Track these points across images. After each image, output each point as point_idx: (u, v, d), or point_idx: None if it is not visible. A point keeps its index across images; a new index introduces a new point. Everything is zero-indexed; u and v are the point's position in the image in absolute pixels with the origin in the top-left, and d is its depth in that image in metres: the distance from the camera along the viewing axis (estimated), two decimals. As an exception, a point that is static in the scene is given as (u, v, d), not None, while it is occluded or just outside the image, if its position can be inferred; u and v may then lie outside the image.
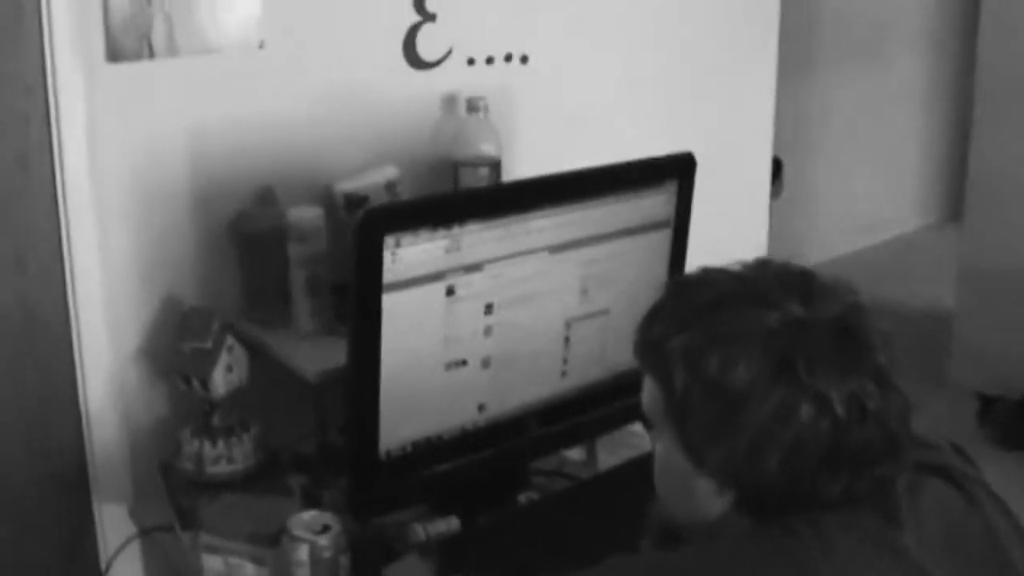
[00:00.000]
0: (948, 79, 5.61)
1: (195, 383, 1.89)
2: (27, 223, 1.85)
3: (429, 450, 1.79)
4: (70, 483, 1.99)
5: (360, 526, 1.75)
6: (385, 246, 1.62)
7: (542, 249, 1.81)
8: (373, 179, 2.08)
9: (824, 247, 5.13)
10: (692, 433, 1.26)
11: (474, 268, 1.73)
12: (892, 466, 1.24)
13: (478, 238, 1.72)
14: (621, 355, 1.96)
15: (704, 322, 1.26)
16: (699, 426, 1.25)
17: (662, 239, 1.98)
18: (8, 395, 1.90)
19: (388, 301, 1.65)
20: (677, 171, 1.96)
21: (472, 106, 2.18)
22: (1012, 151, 3.85)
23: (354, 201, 2.05)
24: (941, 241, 5.42)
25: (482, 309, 1.77)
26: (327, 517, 1.59)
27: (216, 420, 1.91)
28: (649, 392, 1.31)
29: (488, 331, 1.79)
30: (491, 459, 1.87)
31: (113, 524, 2.02)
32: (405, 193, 2.11)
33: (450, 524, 1.82)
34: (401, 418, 1.73)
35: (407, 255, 1.65)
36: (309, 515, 1.60)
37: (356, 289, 1.63)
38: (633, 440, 2.13)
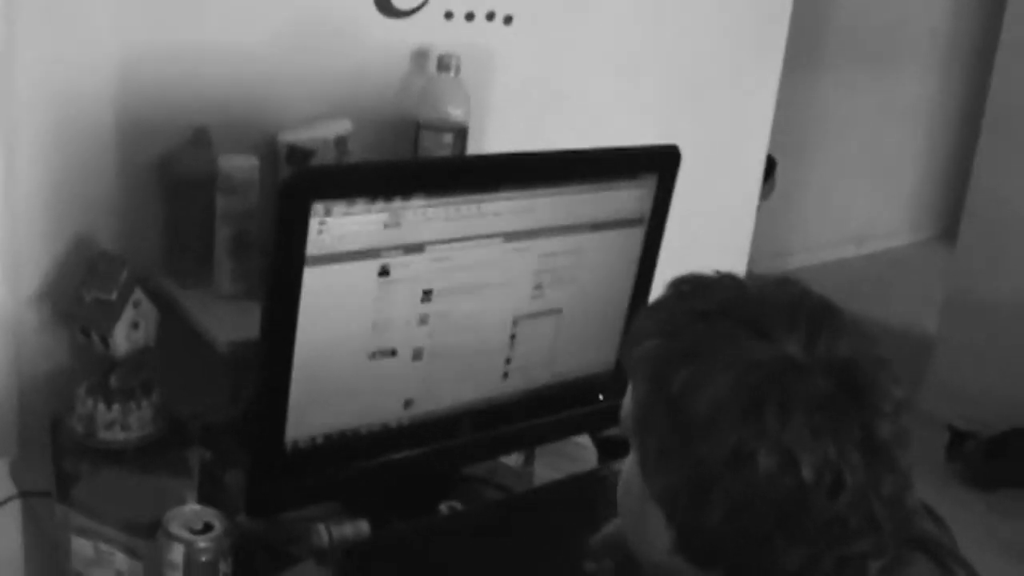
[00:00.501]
0: (955, 97, 5.44)
1: (95, 337, 1.69)
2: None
3: (343, 445, 1.60)
4: (-52, 430, 1.78)
5: (253, 524, 1.56)
6: (312, 213, 1.42)
7: (496, 235, 1.62)
8: (322, 132, 1.87)
9: (809, 252, 4.95)
10: (646, 451, 1.11)
11: (414, 248, 1.53)
12: (868, 548, 1.06)
13: (422, 215, 1.52)
14: (572, 361, 1.78)
15: (686, 332, 1.10)
16: (652, 445, 1.10)
17: (632, 238, 1.78)
18: None
19: (310, 276, 1.45)
20: (659, 164, 1.77)
21: (443, 64, 1.97)
22: (1016, 181, 3.70)
23: (298, 155, 1.85)
24: (929, 259, 5.26)
25: (419, 295, 1.57)
26: (210, 514, 1.40)
27: (114, 381, 1.70)
28: (627, 395, 1.16)
29: (423, 320, 1.59)
30: (413, 461, 1.68)
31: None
32: (357, 152, 1.90)
33: (359, 528, 1.63)
34: (313, 407, 1.53)
35: (337, 226, 1.45)
36: (190, 510, 1.40)
37: (274, 258, 1.43)
38: (577, 453, 1.95)
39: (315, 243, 1.44)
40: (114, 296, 1.67)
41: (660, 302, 1.16)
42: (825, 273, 4.83)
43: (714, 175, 2.50)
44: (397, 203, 1.49)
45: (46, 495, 1.68)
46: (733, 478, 1.04)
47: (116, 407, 1.69)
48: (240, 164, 1.73)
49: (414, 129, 1.99)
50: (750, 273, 1.16)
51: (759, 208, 2.86)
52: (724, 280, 1.16)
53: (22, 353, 1.79)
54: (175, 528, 1.37)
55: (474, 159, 1.87)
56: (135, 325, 1.69)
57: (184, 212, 1.79)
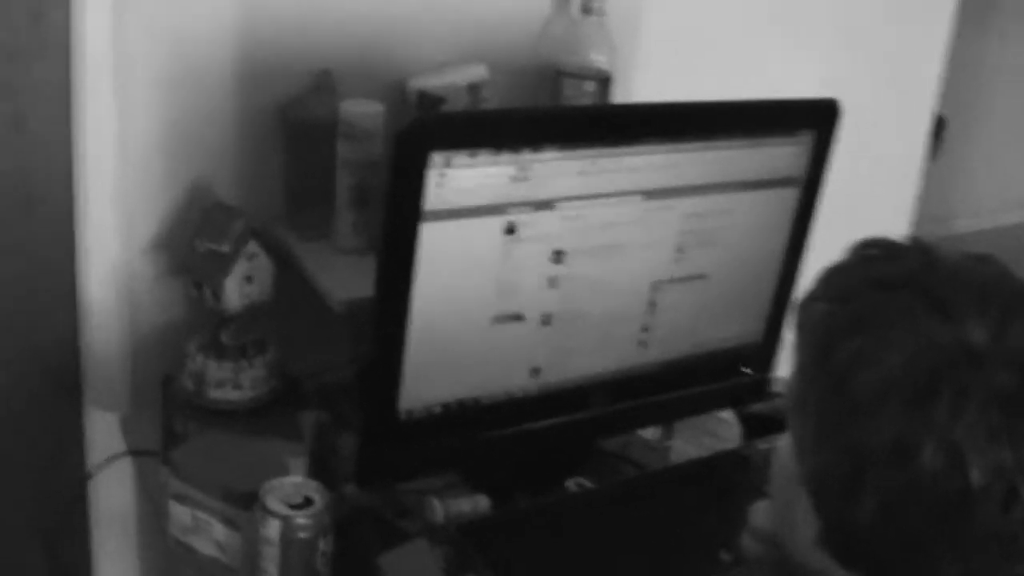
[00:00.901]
0: None
1: (207, 290, 1.59)
2: (32, 82, 1.55)
3: (462, 414, 1.48)
4: (61, 382, 1.72)
5: (363, 495, 1.45)
6: (431, 165, 1.29)
7: (634, 192, 1.47)
8: (454, 78, 1.74)
9: (975, 217, 4.68)
10: (802, 428, 1.00)
11: (544, 205, 1.40)
12: None
13: (553, 169, 1.38)
14: (716, 330, 1.64)
15: (860, 300, 0.97)
16: (809, 423, 0.98)
17: (786, 199, 1.63)
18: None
19: (428, 232, 1.33)
20: (816, 119, 1.60)
21: (587, 6, 1.82)
22: None
23: (428, 102, 1.72)
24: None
25: (548, 255, 1.44)
26: (311, 487, 1.29)
27: (225, 337, 1.61)
28: (791, 365, 1.04)
29: (553, 282, 1.46)
30: (539, 434, 1.55)
31: (103, 436, 1.74)
32: (492, 100, 1.77)
33: (477, 504, 1.52)
34: (430, 373, 1.42)
35: (459, 179, 1.32)
36: (290, 482, 1.30)
37: (388, 213, 1.31)
38: (720, 429, 1.80)
39: (434, 197, 1.31)
40: (227, 248, 1.57)
41: (840, 265, 1.03)
42: (992, 239, 4.56)
43: (877, 133, 2.31)
44: (525, 155, 1.36)
45: (155, 455, 1.60)
46: (891, 470, 0.92)
47: (227, 364, 1.60)
48: (364, 110, 1.61)
49: (553, 77, 1.84)
50: (946, 245, 1.00)
51: (926, 170, 2.66)
52: (915, 249, 1.02)
53: (136, 305, 1.71)
54: (272, 502, 1.27)
55: (611, 108, 1.72)
56: (248, 279, 1.60)
57: (305, 160, 1.69)
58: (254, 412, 1.62)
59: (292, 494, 1.28)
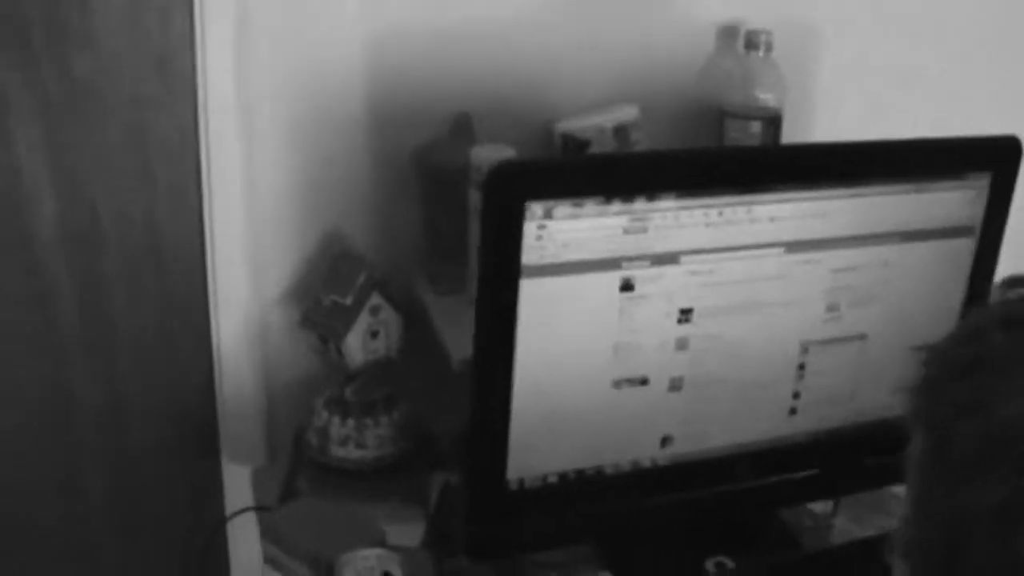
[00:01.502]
0: None
1: (331, 345, 1.53)
2: (160, 134, 1.52)
3: (583, 485, 1.36)
4: (198, 434, 1.69)
5: (475, 567, 1.35)
6: (528, 216, 1.19)
7: (774, 245, 1.33)
8: (601, 120, 1.63)
9: None
10: (907, 492, 0.85)
11: (665, 259, 1.27)
12: None
13: (673, 219, 1.26)
14: (879, 396, 1.47)
15: (984, 340, 0.82)
16: (911, 483, 0.84)
17: (960, 250, 1.45)
18: (130, 326, 1.60)
19: (530, 289, 1.22)
20: (992, 160, 1.41)
21: (751, 41, 1.68)
22: None
23: (573, 145, 1.62)
24: None
25: (675, 314, 1.31)
26: (393, 560, 1.20)
27: (349, 393, 1.54)
28: None
29: (682, 344, 1.33)
30: (672, 508, 1.42)
31: (241, 488, 1.69)
32: (643, 143, 1.65)
33: (599, 583, 1.39)
34: (543, 441, 1.31)
35: (563, 231, 1.21)
36: (374, 554, 1.21)
37: (483, 268, 1.21)
38: (894, 507, 1.61)
39: (533, 251, 1.20)
40: (350, 300, 1.50)
41: (981, 305, 0.89)
42: None
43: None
44: (639, 204, 1.23)
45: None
46: (995, 540, 0.75)
47: (351, 422, 1.53)
48: (494, 155, 1.52)
49: (717, 117, 1.71)
50: None
51: None
52: None
53: (270, 358, 1.66)
54: (347, 575, 1.18)
55: (737, 150, 1.57)
56: (373, 334, 1.52)
57: (440, 209, 1.60)
58: (379, 472, 1.54)
59: (371, 568, 1.19)
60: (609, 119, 1.63)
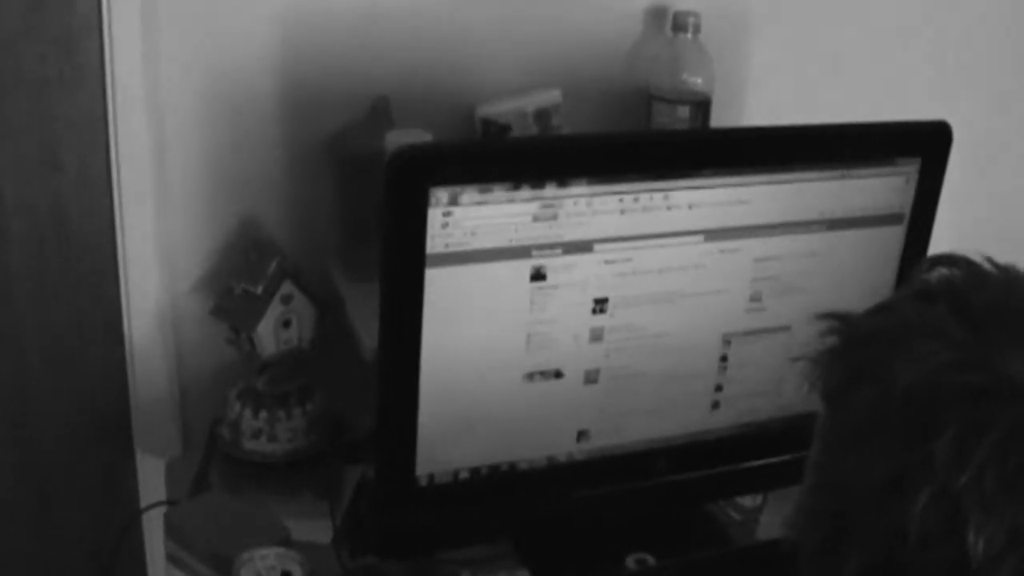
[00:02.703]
0: None
1: (243, 336, 1.48)
2: (66, 119, 1.46)
3: (496, 481, 1.32)
4: (109, 426, 1.63)
5: (388, 566, 1.31)
6: (433, 202, 1.14)
7: (693, 232, 1.28)
8: (522, 103, 1.58)
9: None
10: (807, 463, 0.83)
11: (579, 247, 1.23)
12: None
13: (587, 206, 1.21)
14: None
15: (889, 310, 0.82)
16: (811, 453, 0.83)
17: (888, 238, 1.41)
18: (38, 317, 1.54)
19: (436, 278, 1.17)
20: (921, 145, 1.38)
21: (679, 23, 1.64)
22: None
23: (493, 130, 1.57)
24: None
25: (589, 305, 1.26)
26: (292, 560, 1.15)
27: (261, 385, 1.49)
28: None
29: (597, 335, 1.29)
30: (590, 505, 1.38)
31: (151, 481, 1.64)
32: (566, 128, 1.60)
33: (514, 581, 1.35)
34: (453, 436, 1.26)
35: (470, 218, 1.17)
36: (271, 552, 1.16)
37: (386, 257, 1.16)
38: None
39: (439, 238, 1.16)
40: (260, 289, 1.45)
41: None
42: None
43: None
44: (549, 190, 1.19)
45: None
46: (880, 511, 0.72)
47: (263, 414, 1.49)
48: (410, 141, 1.47)
49: (644, 101, 1.67)
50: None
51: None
52: (992, 271, 0.82)
53: (183, 348, 1.61)
54: (246, 575, 1.13)
55: (652, 135, 1.53)
56: (285, 323, 1.48)
57: (356, 195, 1.55)
58: (291, 466, 1.49)
59: (271, 567, 1.14)
60: (530, 103, 1.59)
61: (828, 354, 0.82)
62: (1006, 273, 0.82)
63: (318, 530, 1.39)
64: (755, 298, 1.36)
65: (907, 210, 1.40)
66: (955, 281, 0.82)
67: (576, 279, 1.24)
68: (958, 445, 0.70)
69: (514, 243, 1.20)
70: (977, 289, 0.80)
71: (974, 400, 0.71)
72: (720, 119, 1.67)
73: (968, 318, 0.76)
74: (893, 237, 1.40)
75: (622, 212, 1.24)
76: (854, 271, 1.40)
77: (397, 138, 1.45)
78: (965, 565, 0.69)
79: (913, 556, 0.71)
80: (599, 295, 1.26)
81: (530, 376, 1.27)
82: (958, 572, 0.69)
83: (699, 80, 1.65)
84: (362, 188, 1.54)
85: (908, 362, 0.75)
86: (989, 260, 0.83)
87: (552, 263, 1.22)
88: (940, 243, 1.43)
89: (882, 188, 1.37)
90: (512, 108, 1.57)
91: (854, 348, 0.81)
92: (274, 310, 1.45)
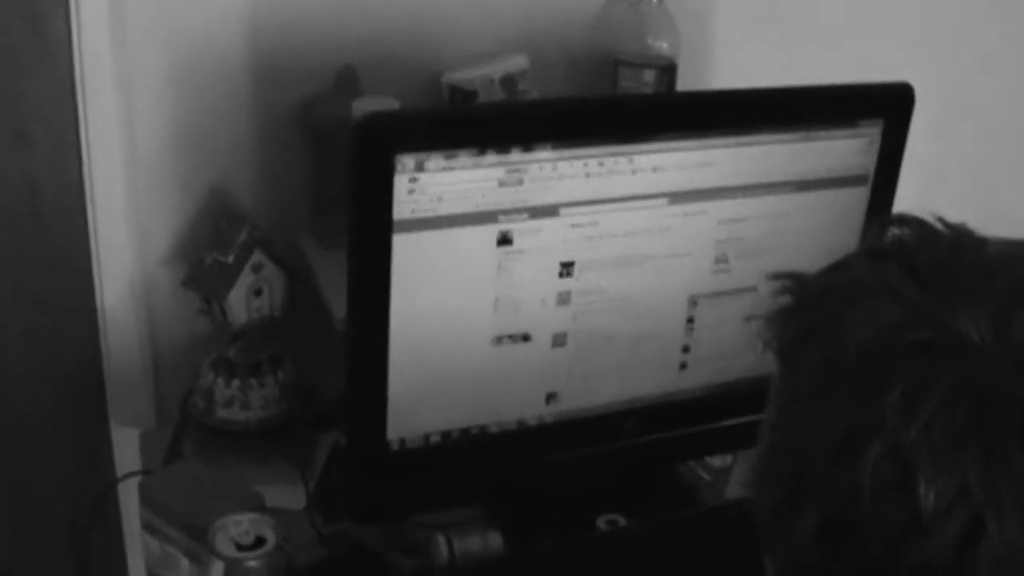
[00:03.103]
0: None
1: (215, 305, 1.48)
2: (34, 92, 1.46)
3: (467, 445, 1.33)
4: (83, 398, 1.64)
5: (362, 530, 1.32)
6: (399, 169, 1.15)
7: (658, 195, 1.30)
8: (489, 70, 1.59)
9: None
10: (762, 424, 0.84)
11: (545, 212, 1.24)
12: None
13: (552, 171, 1.22)
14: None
15: (839, 269, 0.81)
16: (767, 413, 0.83)
17: (852, 200, 1.43)
18: (10, 290, 1.55)
19: (403, 244, 1.18)
20: (885, 107, 1.39)
21: (644, -13, 1.65)
22: None
23: (460, 96, 1.58)
24: None
25: (556, 268, 1.28)
26: (267, 524, 1.16)
27: (233, 354, 1.50)
28: None
29: (565, 299, 1.30)
30: (560, 467, 1.39)
31: (126, 452, 1.66)
32: (533, 93, 1.61)
33: (489, 542, 1.37)
34: (423, 400, 1.28)
35: (436, 184, 1.18)
36: (246, 519, 1.17)
37: (353, 224, 1.17)
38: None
39: (406, 205, 1.17)
40: (231, 258, 1.46)
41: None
42: None
43: (994, 131, 2.05)
44: (515, 155, 1.20)
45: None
46: (836, 469, 0.72)
47: (236, 383, 1.50)
48: (376, 108, 1.47)
49: (610, 66, 1.68)
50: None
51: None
52: (943, 230, 0.82)
53: (157, 319, 1.62)
54: (220, 542, 1.14)
55: (617, 99, 1.54)
56: (257, 292, 1.49)
57: (325, 163, 1.57)
58: (264, 434, 1.50)
59: (245, 532, 1.16)
60: (497, 69, 1.60)
61: (781, 313, 0.83)
62: (956, 232, 0.83)
63: (292, 497, 1.40)
64: (720, 260, 1.37)
65: (871, 172, 1.41)
66: (906, 240, 0.83)
67: (542, 243, 1.26)
68: (907, 401, 0.70)
69: (480, 208, 1.21)
70: (927, 248, 0.81)
71: (923, 356, 0.72)
72: (686, 83, 1.68)
73: (918, 276, 0.77)
74: (857, 198, 1.42)
75: (587, 176, 1.25)
76: (818, 232, 1.41)
77: (363, 105, 1.46)
78: (916, 520, 0.70)
79: (867, 512, 0.72)
80: (565, 259, 1.28)
81: (498, 340, 1.29)
82: (910, 527, 0.70)
83: (664, 45, 1.67)
84: (330, 156, 1.56)
85: (859, 320, 0.76)
86: (941, 220, 0.84)
87: (518, 228, 1.23)
88: (905, 205, 1.45)
89: (845, 150, 1.39)
90: (479, 75, 1.58)
91: (806, 307, 0.82)
92: (245, 279, 1.46)
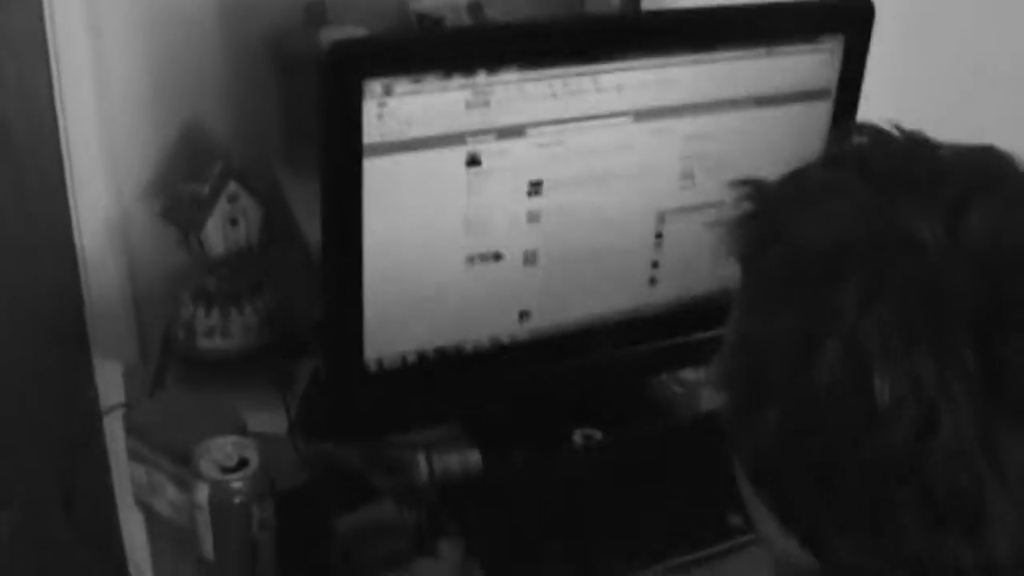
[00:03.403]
0: None
1: (192, 237, 1.51)
2: (3, 34, 1.47)
3: (443, 363, 1.36)
4: (65, 334, 1.66)
5: (342, 450, 1.36)
6: (368, 95, 1.17)
7: (622, 114, 1.32)
8: (456, -3, 1.61)
9: None
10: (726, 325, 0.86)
11: (512, 132, 1.27)
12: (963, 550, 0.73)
13: (518, 92, 1.25)
14: (739, 264, 1.47)
15: (796, 176, 0.84)
16: (730, 315, 0.85)
17: (815, 114, 1.45)
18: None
19: (373, 168, 1.21)
20: (844, 22, 1.41)
21: (609, -93, 1.66)
22: None
23: (428, 23, 1.59)
24: None
25: (524, 188, 1.30)
26: (250, 447, 1.19)
27: (212, 284, 1.52)
28: None
29: (534, 217, 1.33)
30: (534, 383, 1.43)
31: (110, 386, 1.68)
32: (499, 18, 1.62)
33: (468, 460, 1.41)
34: (398, 320, 1.31)
35: (404, 107, 1.20)
36: (230, 441, 1.20)
37: (324, 149, 1.19)
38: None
39: (375, 129, 1.19)
40: (207, 190, 1.48)
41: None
42: None
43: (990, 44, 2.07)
44: (481, 78, 1.22)
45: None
46: (791, 368, 0.75)
47: (216, 312, 1.52)
48: (344, 37, 1.49)
49: (577, -10, 1.69)
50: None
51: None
52: (898, 136, 0.85)
53: (135, 253, 1.64)
54: (204, 464, 1.18)
55: (578, 20, 1.56)
56: (233, 222, 1.50)
57: (297, 95, 1.58)
58: (246, 361, 1.53)
59: (228, 455, 1.19)
60: (461, -5, 1.61)
61: (741, 219, 0.86)
62: (911, 137, 0.86)
63: (274, 421, 1.44)
64: (687, 175, 1.40)
65: (833, 86, 1.43)
66: (862, 147, 0.86)
67: (510, 163, 1.28)
68: (861, 298, 0.73)
69: (448, 130, 1.23)
70: (882, 153, 0.83)
71: (877, 255, 0.75)
72: (652, 2, 1.70)
73: (872, 180, 0.79)
74: (820, 112, 1.44)
75: (552, 96, 1.27)
76: (783, 147, 1.43)
77: (331, 35, 1.48)
78: (872, 415, 0.72)
79: (824, 409, 0.74)
80: (533, 178, 1.30)
81: (470, 259, 1.31)
82: (866, 422, 0.73)
83: (629, -34, 1.68)
84: (301, 88, 1.56)
85: (814, 222, 0.78)
86: (897, 127, 0.87)
87: (486, 148, 1.26)
88: (870, 116, 1.48)
89: (807, 65, 1.41)
90: (445, 2, 1.60)
91: (765, 212, 0.84)
92: (221, 210, 1.48)
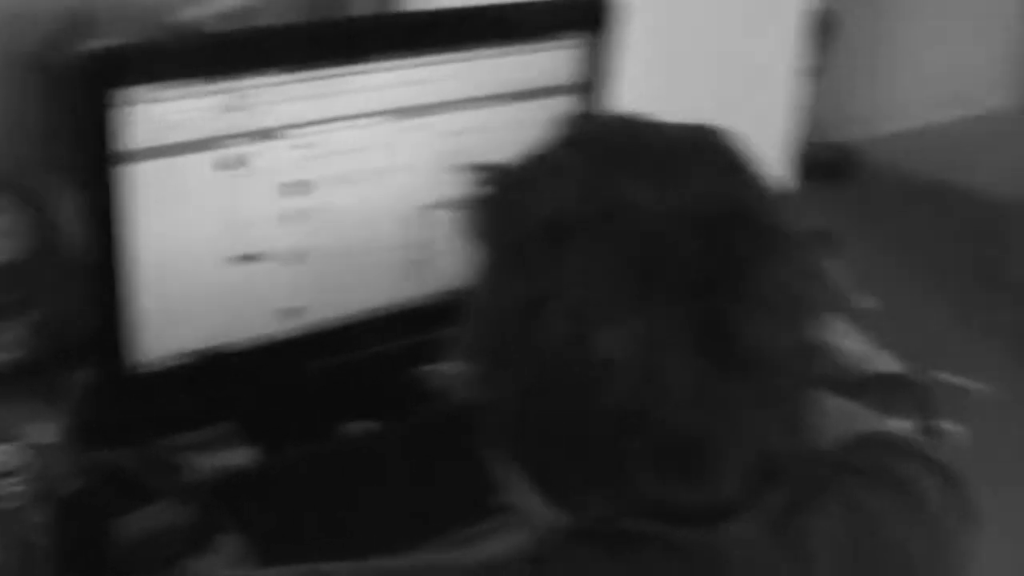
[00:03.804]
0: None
1: (-44, 250, 1.50)
2: None
3: (209, 364, 1.39)
4: None
5: (118, 455, 1.37)
6: (120, 102, 1.19)
7: (378, 113, 1.37)
8: (220, 6, 1.63)
9: (895, 119, 4.54)
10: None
11: (268, 135, 1.30)
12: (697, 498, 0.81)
13: (273, 95, 1.29)
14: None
15: (524, 161, 0.90)
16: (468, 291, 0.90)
17: (565, 108, 1.52)
18: None
19: (130, 175, 1.23)
20: (583, 20, 1.49)
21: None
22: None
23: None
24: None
25: (282, 188, 1.34)
26: (23, 454, 1.20)
27: (-20, 297, 1.52)
28: None
29: (294, 217, 1.36)
30: (305, 379, 1.46)
31: None
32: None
33: (244, 457, 1.43)
34: (163, 324, 1.33)
35: (158, 114, 1.22)
36: (1, 449, 1.20)
37: (79, 160, 1.22)
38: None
39: (132, 136, 1.21)
40: (-30, 204, 1.47)
41: None
42: (915, 140, 4.46)
43: (741, 35, 2.18)
44: (234, 82, 1.26)
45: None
46: (522, 337, 0.81)
47: (-15, 326, 1.51)
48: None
49: (340, -1, 1.73)
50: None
51: (823, 73, 2.52)
52: (613, 119, 0.95)
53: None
54: (-27, 473, 1.18)
55: (333, 22, 1.60)
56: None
57: (60, 105, 1.57)
58: (18, 374, 1.53)
59: (3, 463, 1.19)
60: (228, 4, 1.63)
61: (474, 200, 0.92)
62: (631, 120, 0.93)
63: (49, 432, 1.43)
64: (446, 171, 1.45)
65: (583, 80, 1.51)
66: (587, 130, 0.93)
67: (267, 165, 1.32)
68: (582, 259, 0.80)
69: (202, 135, 1.26)
70: (603, 134, 0.91)
71: (596, 220, 0.82)
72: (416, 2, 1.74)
73: (594, 157, 0.87)
74: (573, 106, 1.52)
75: (308, 98, 1.31)
76: (531, 141, 1.50)
77: (91, 47, 1.48)
78: (595, 368, 0.79)
79: (553, 366, 0.81)
80: (291, 179, 1.34)
81: (231, 261, 1.34)
82: (591, 376, 0.80)
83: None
84: (63, 98, 1.57)
85: (540, 198, 0.85)
86: (623, 113, 0.95)
87: (242, 152, 1.29)
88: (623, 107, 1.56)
89: (555, 61, 1.49)
90: (209, 13, 1.61)
91: (496, 192, 0.91)
92: (-13, 223, 1.48)
